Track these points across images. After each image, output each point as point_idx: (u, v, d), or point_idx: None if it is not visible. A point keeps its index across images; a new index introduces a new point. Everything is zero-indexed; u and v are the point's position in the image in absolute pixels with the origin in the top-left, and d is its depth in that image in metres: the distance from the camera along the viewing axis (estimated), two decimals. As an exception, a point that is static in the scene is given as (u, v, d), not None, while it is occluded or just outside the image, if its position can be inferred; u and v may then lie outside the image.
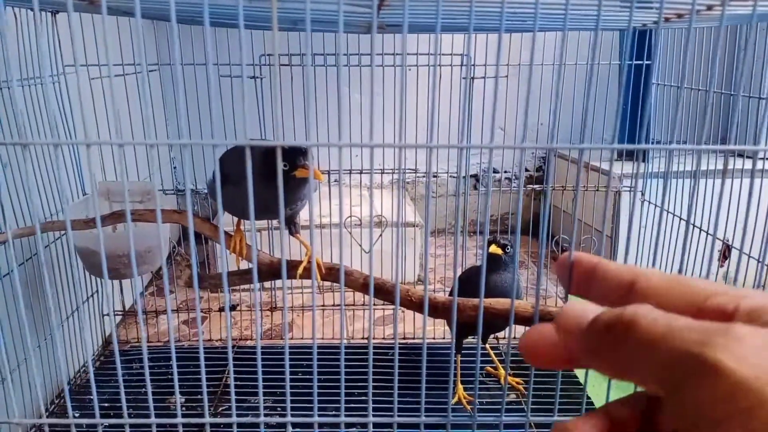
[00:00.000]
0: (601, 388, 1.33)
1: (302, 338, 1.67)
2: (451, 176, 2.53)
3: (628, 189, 1.74)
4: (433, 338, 1.64)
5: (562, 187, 1.79)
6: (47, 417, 1.27)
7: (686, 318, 0.19)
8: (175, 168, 2.28)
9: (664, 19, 0.80)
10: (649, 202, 1.54)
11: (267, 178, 0.73)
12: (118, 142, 0.47)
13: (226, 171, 0.97)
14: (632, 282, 0.24)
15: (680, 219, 1.40)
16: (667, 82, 1.54)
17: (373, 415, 0.63)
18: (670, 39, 1.59)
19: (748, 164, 0.61)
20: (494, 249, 1.20)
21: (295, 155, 0.86)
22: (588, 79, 0.54)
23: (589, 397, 1.32)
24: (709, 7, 0.67)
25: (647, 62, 1.56)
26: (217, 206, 0.58)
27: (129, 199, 0.98)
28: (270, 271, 0.99)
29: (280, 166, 0.55)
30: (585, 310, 0.23)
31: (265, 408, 1.37)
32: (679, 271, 0.68)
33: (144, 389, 1.40)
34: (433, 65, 0.52)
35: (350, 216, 1.73)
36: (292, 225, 1.06)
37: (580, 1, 0.65)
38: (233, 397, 0.67)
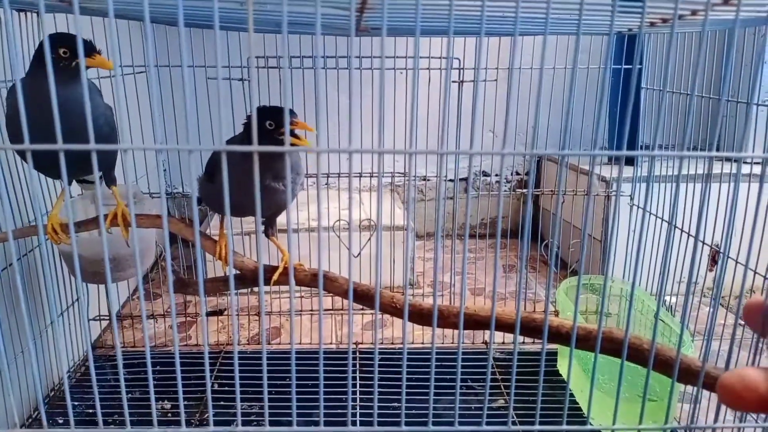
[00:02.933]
0: (584, 396, 1.32)
1: (289, 343, 1.66)
2: (443, 180, 2.52)
3: (615, 194, 1.73)
4: (422, 343, 1.64)
5: (552, 190, 1.79)
6: (21, 427, 1.26)
7: None
8: (165, 171, 2.26)
9: (649, 24, 0.80)
10: (638, 207, 1.54)
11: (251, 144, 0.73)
12: (116, 147, 0.46)
13: (212, 168, 0.96)
14: None
15: (664, 221, 1.39)
16: (654, 87, 1.55)
17: (352, 424, 0.62)
18: (658, 43, 1.60)
19: (736, 168, 0.60)
20: (101, 61, 0.81)
21: (281, 114, 0.83)
22: (570, 83, 0.53)
23: (575, 405, 1.32)
24: (694, 12, 0.66)
25: (635, 66, 1.56)
26: (207, 210, 0.57)
27: (117, 202, 0.97)
28: (253, 276, 0.98)
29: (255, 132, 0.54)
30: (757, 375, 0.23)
31: (252, 415, 1.36)
32: (662, 273, 0.68)
33: (129, 395, 1.39)
34: (413, 68, 0.51)
35: (339, 219, 1.73)
36: (269, 226, 1.04)
37: (563, 5, 0.65)
38: (211, 404, 0.66)
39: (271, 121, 0.85)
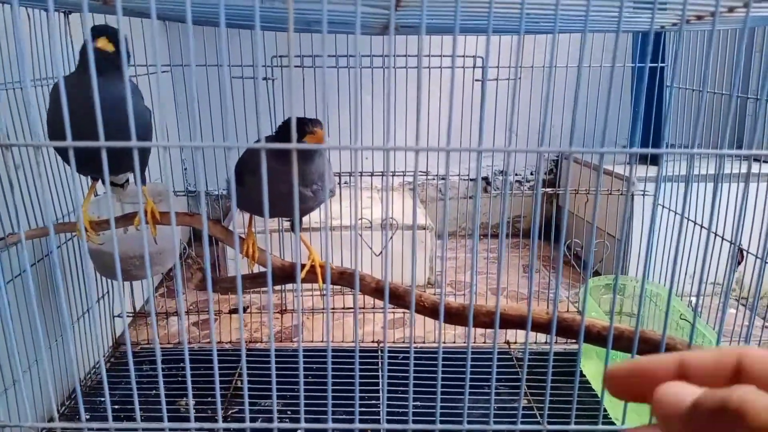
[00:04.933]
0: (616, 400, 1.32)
1: (312, 341, 1.66)
2: (461, 179, 2.52)
3: (641, 193, 1.72)
4: (444, 342, 1.63)
5: (575, 190, 1.78)
6: (59, 420, 1.27)
7: None
8: (185, 169, 2.28)
9: (686, 20, 0.79)
10: (663, 206, 1.53)
11: (281, 153, 0.75)
12: (130, 144, 0.47)
13: (241, 169, 0.97)
14: (737, 364, 0.23)
15: (693, 222, 1.38)
16: (686, 86, 1.53)
17: (387, 421, 0.62)
18: (690, 42, 1.58)
19: (765, 169, 0.59)
20: (104, 43, 0.80)
21: (304, 124, 0.85)
22: (599, 82, 0.53)
23: (605, 409, 1.31)
24: (731, 9, 0.65)
25: (661, 65, 1.54)
26: (230, 207, 0.58)
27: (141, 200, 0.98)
28: (281, 274, 0.98)
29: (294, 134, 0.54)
30: (683, 390, 0.22)
31: (278, 412, 1.36)
32: (673, 267, 0.67)
33: (153, 391, 1.40)
34: (448, 67, 0.51)
35: (361, 218, 1.73)
36: (294, 225, 1.05)
37: (600, 3, 0.65)
38: (246, 401, 0.67)
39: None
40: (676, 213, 1.46)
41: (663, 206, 1.52)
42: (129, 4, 0.71)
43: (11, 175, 0.59)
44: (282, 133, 0.88)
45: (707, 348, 0.24)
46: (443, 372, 1.31)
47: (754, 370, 0.22)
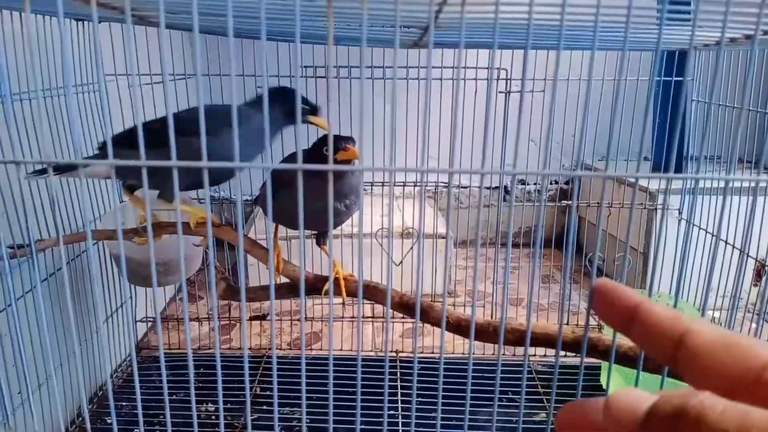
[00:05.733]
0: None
1: (322, 349, 1.67)
2: (478, 188, 2.51)
3: (662, 207, 1.71)
4: (462, 353, 1.63)
5: (588, 202, 1.78)
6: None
7: (759, 410, 0.18)
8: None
9: (704, 45, 0.79)
10: (687, 221, 1.51)
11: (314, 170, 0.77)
12: (170, 163, 0.47)
13: (276, 180, 0.97)
14: (682, 335, 0.23)
15: (712, 235, 1.37)
16: (719, 101, 1.52)
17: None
18: (705, 57, 1.57)
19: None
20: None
21: (338, 141, 0.87)
22: (614, 97, 0.53)
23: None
24: (766, 32, 0.65)
25: (680, 78, 1.54)
26: (251, 213, 0.58)
27: (164, 208, 0.99)
28: (306, 287, 0.99)
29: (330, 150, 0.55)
30: (638, 397, 0.21)
31: (294, 420, 1.37)
32: (707, 286, 0.67)
33: (173, 396, 1.41)
34: (472, 79, 0.51)
35: (381, 228, 1.73)
36: (321, 237, 1.06)
37: (637, 22, 0.64)
38: (276, 410, 0.67)
39: (327, 147, 0.88)
40: (700, 228, 1.45)
41: (686, 220, 1.51)
42: (138, 12, 0.72)
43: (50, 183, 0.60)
44: (317, 149, 0.90)
45: (666, 308, 0.25)
46: (462, 383, 1.31)
47: (697, 347, 0.22)
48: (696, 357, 0.22)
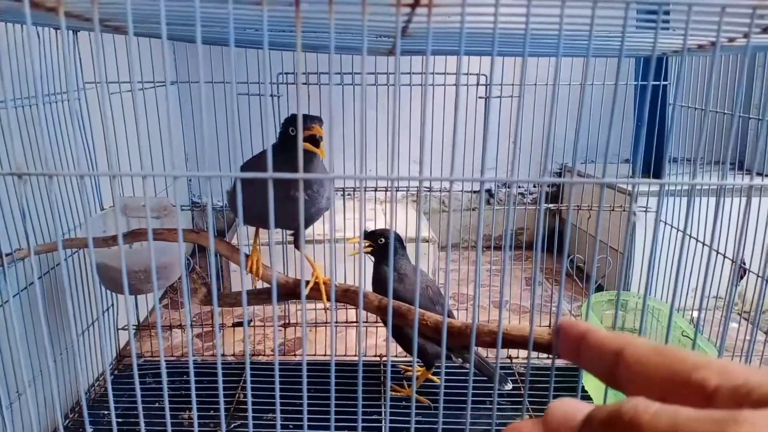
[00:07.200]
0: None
1: (315, 354, 1.67)
2: (464, 192, 2.53)
3: (644, 210, 1.73)
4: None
5: (577, 206, 1.79)
6: None
7: (687, 409, 0.19)
8: (190, 181, 2.29)
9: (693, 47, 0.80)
10: (665, 223, 1.53)
11: (281, 151, 0.77)
12: (141, 173, 0.48)
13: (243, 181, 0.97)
14: (620, 350, 0.24)
15: (703, 244, 1.39)
16: (689, 104, 1.54)
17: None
18: (693, 62, 1.59)
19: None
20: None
21: (305, 120, 0.84)
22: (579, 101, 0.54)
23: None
24: (731, 39, 0.67)
25: (664, 83, 1.56)
26: (234, 220, 0.59)
27: (146, 215, 0.99)
28: (285, 291, 0.99)
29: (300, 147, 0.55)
30: (575, 406, 0.22)
31: (275, 427, 1.37)
32: (675, 283, 0.68)
33: (156, 403, 1.40)
34: (452, 85, 0.52)
35: (362, 230, 1.73)
36: (297, 238, 1.06)
37: (602, 29, 0.66)
38: (250, 416, 0.67)
39: (293, 128, 0.87)
40: (678, 230, 1.47)
41: (665, 223, 1.53)
42: (141, 29, 0.73)
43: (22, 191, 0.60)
44: (284, 129, 0.89)
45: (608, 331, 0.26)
46: (450, 387, 1.32)
47: (636, 359, 0.23)
48: (631, 366, 0.23)
